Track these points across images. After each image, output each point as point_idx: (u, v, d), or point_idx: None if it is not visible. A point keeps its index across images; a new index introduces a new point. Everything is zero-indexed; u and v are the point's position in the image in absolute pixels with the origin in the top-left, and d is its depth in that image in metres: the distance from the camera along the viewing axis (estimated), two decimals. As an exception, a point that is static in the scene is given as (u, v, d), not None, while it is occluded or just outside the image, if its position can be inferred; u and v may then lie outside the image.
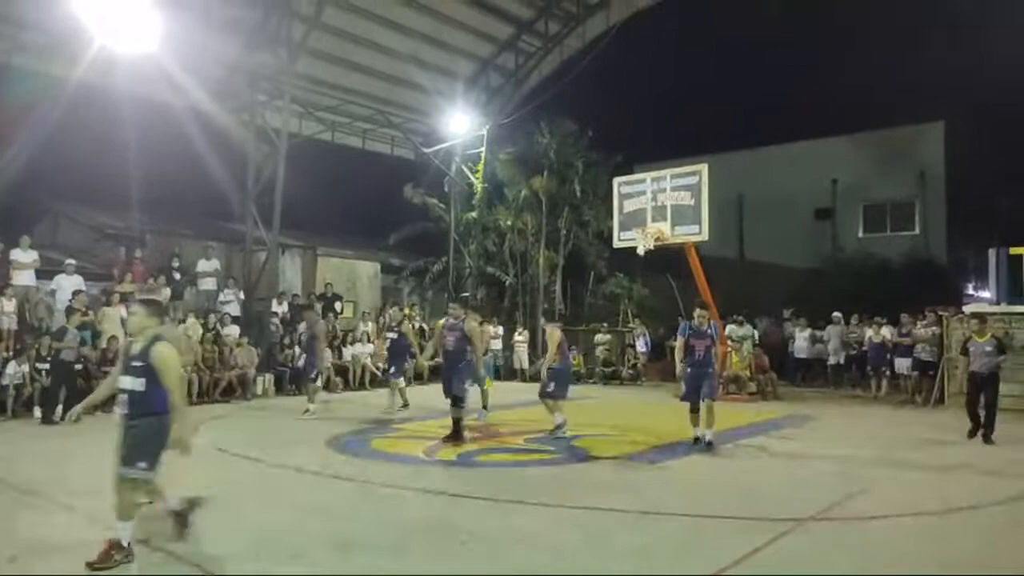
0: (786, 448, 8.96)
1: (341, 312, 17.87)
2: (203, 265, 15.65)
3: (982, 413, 9.32)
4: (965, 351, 9.58)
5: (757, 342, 15.57)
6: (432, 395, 13.39)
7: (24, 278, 12.57)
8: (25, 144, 14.47)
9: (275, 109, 17.11)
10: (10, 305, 11.88)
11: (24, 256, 12.67)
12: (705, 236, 13.87)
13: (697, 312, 8.85)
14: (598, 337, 18.83)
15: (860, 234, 25.08)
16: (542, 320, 11.46)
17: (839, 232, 24.94)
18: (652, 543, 5.02)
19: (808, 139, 25.95)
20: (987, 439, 9.13)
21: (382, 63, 18.80)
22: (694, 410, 8.76)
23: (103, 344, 12.24)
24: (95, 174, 17.92)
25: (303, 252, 19.93)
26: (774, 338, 16.95)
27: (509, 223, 20.37)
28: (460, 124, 19.84)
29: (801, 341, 16.49)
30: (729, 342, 14.68)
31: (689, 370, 8.73)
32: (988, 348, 9.28)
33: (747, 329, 15.42)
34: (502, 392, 14.69)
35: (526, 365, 17.95)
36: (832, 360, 15.92)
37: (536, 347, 17.78)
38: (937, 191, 24.09)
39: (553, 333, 9.97)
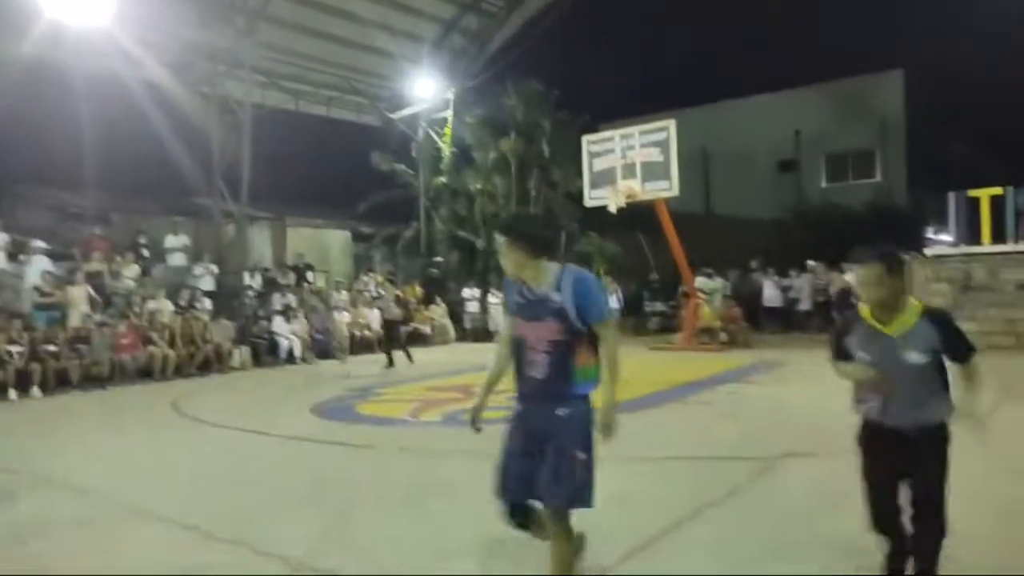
0: (757, 393, 9.27)
1: (314, 282, 17.85)
2: (171, 241, 15.48)
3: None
4: (843, 352, 3.23)
5: (728, 294, 15.91)
6: (417, 359, 13.61)
7: (-7, 260, 12.40)
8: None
9: (236, 80, 16.79)
10: (-22, 288, 11.72)
11: (-7, 238, 12.48)
12: (676, 191, 14.05)
13: (501, 243, 3.07)
14: (572, 296, 19.02)
15: (823, 184, 25.53)
16: None
17: (803, 183, 25.36)
18: (640, 485, 5.22)
19: (770, 91, 26.20)
20: None
21: (343, 28, 18.46)
22: (520, 523, 3.21)
23: (73, 323, 12.14)
24: (53, 153, 17.48)
25: (272, 223, 19.76)
26: (744, 289, 17.31)
27: (479, 187, 20.36)
28: (425, 88, 19.68)
29: (771, 290, 16.88)
30: (700, 294, 15.00)
31: (519, 407, 3.10)
32: (914, 354, 2.97)
33: (717, 282, 15.76)
34: (480, 353, 14.86)
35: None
36: (802, 307, 16.34)
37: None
38: (897, 139, 24.56)
39: None
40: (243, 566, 3.91)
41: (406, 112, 20.17)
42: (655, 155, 14.33)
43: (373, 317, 16.53)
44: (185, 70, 16.33)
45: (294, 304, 15.50)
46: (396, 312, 14.01)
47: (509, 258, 3.03)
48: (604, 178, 15.08)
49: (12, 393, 10.70)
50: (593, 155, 15.47)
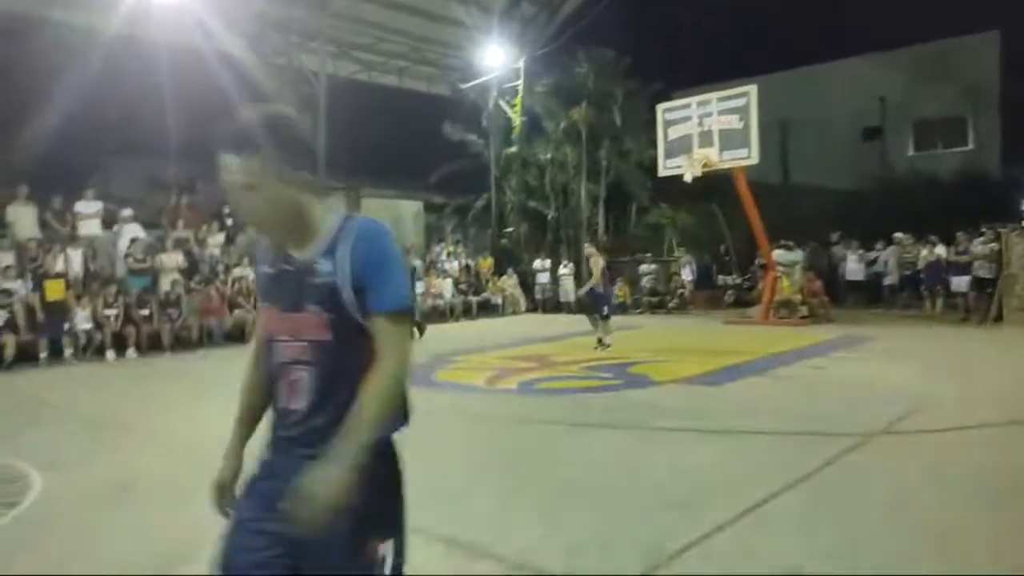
0: (844, 368, 8.97)
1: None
2: (253, 210, 15.89)
3: None
4: None
5: (807, 266, 15.45)
6: (489, 329, 13.73)
7: (90, 228, 13.02)
8: (68, 98, 14.70)
9: (310, 51, 17.02)
10: (76, 256, 12.33)
11: (89, 207, 13.10)
12: (755, 159, 13.66)
13: (232, 169, 1.66)
14: (643, 267, 18.81)
15: (910, 152, 24.39)
16: (585, 245, 12.15)
17: (888, 151, 24.28)
18: (725, 460, 5.14)
19: (854, 56, 25.06)
20: None
21: (415, -3, 18.45)
22: None
23: (164, 288, 12.65)
24: (140, 124, 18.12)
25: (346, 194, 20.06)
26: (823, 262, 16.78)
27: (549, 156, 20.21)
28: (496, 57, 19.56)
29: (854, 263, 16.31)
30: (779, 267, 14.60)
31: (267, 456, 1.78)
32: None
33: (796, 254, 15.29)
34: (550, 324, 14.89)
35: (572, 298, 18.10)
36: (888, 281, 15.76)
37: (580, 278, 17.85)
38: (991, 104, 23.19)
39: (597, 260, 10.88)
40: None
41: (477, 82, 20.10)
42: (734, 122, 13.94)
43: (445, 286, 16.71)
44: (260, 42, 16.62)
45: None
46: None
47: (251, 195, 1.65)
48: (679, 147, 14.76)
49: (110, 354, 11.29)
50: (668, 123, 15.15)
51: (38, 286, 11.25)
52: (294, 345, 1.70)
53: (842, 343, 11.13)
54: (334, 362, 1.67)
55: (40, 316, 11.06)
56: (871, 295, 16.27)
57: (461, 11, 18.81)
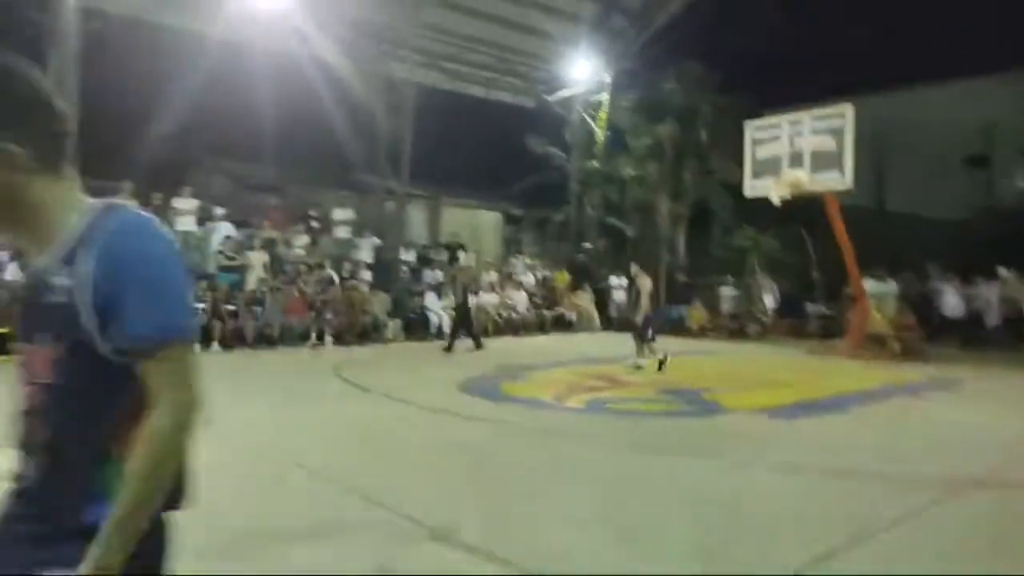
0: (932, 411, 8.43)
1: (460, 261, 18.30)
2: (338, 214, 16.39)
3: None
4: None
5: (900, 298, 14.68)
6: (562, 344, 13.60)
7: (185, 224, 13.67)
8: (175, 100, 15.49)
9: (400, 60, 17.38)
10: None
11: (185, 204, 13.76)
12: (849, 184, 13.06)
13: None
14: (724, 290, 18.31)
15: (1021, 183, 22.91)
16: (632, 265, 12.00)
17: (994, 180, 22.89)
18: (790, 500, 4.88)
19: (959, 78, 23.79)
20: None
21: (504, 8, 18.60)
22: None
23: (250, 286, 13.11)
24: (234, 127, 18.95)
25: (427, 202, 20.40)
26: (917, 295, 15.90)
27: (631, 173, 19.98)
28: (582, 70, 19.51)
29: (952, 298, 15.38)
30: (869, 299, 13.92)
31: None
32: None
33: (889, 285, 14.57)
34: (623, 343, 14.64)
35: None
36: (989, 320, 14.78)
37: (657, 299, 17.51)
38: (1114, 133, 21.57)
39: (645, 281, 11.10)
40: (387, 525, 4.06)
41: (562, 94, 20.09)
42: (827, 143, 13.40)
43: (520, 299, 16.70)
44: (354, 49, 17.08)
45: (444, 281, 15.97)
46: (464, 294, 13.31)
47: None
48: (768, 167, 14.30)
49: (195, 347, 11.75)
50: (757, 142, 14.71)
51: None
52: (27, 389, 1.26)
53: (933, 383, 10.48)
54: (69, 414, 1.22)
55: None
56: (969, 334, 15.29)
57: (550, 22, 18.84)
